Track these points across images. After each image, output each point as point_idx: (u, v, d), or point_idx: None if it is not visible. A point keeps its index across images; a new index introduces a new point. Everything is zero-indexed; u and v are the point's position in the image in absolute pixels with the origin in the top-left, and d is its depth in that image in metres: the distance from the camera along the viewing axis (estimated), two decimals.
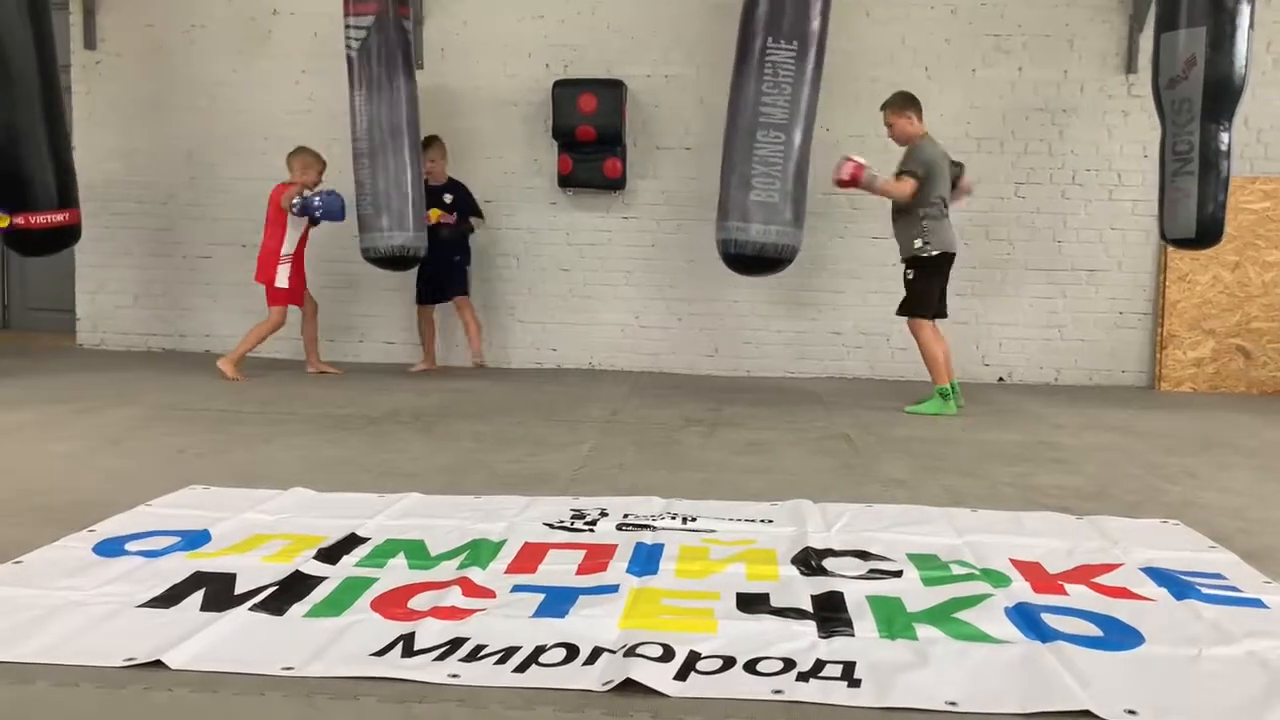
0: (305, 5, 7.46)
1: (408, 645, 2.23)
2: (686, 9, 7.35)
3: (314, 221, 6.66)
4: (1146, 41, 6.55)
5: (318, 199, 6.43)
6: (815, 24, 5.77)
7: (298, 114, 7.47)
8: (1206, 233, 5.91)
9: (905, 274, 5.88)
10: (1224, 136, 5.79)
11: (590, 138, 7.17)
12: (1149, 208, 6.79)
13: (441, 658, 2.17)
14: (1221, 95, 5.73)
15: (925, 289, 5.83)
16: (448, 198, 6.95)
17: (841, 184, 5.77)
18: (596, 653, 2.20)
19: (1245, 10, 5.65)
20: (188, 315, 7.86)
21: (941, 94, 7.16)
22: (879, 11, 7.25)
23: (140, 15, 7.68)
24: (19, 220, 6.03)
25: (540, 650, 2.21)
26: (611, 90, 7.17)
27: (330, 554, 2.86)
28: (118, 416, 5.07)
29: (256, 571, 2.70)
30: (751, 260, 5.84)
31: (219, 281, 7.75)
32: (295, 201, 6.43)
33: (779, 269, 5.97)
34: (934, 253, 5.77)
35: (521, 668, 2.13)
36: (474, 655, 2.18)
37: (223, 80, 7.66)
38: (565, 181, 7.39)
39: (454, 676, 2.09)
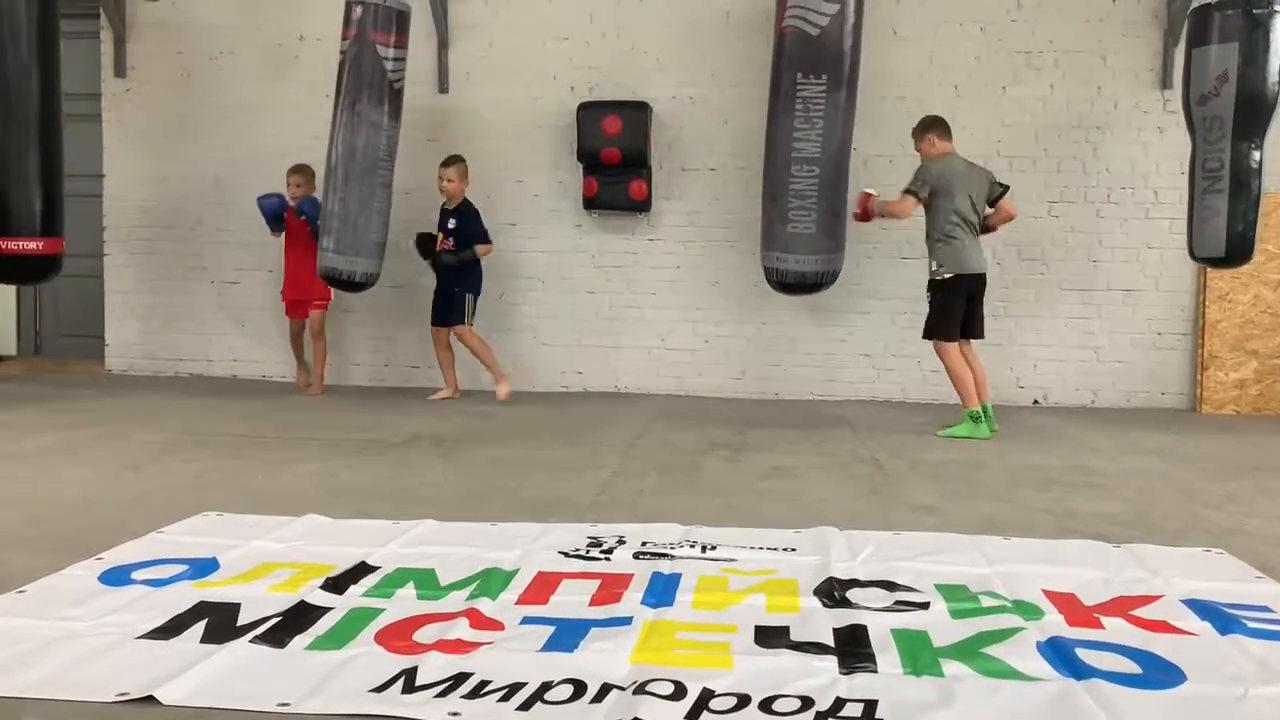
0: (331, 30, 7.41)
1: (409, 681, 2.14)
2: (711, 30, 7.30)
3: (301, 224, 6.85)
4: (1182, 57, 6.40)
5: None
6: (845, 57, 5.85)
7: (325, 139, 7.45)
8: (1235, 252, 5.79)
9: (926, 295, 5.87)
10: (1255, 155, 5.67)
11: (615, 160, 7.13)
12: None
13: (443, 694, 2.09)
14: (1253, 112, 5.61)
15: (941, 311, 5.75)
16: (451, 223, 6.83)
17: (859, 218, 5.96)
18: (605, 690, 2.11)
19: (1279, 26, 5.51)
20: (215, 340, 7.87)
21: (971, 112, 7.05)
22: (906, 29, 7.17)
23: (169, 43, 7.75)
24: None
25: (546, 687, 2.12)
26: (636, 112, 7.13)
27: (337, 584, 2.78)
28: (139, 442, 5.06)
29: (262, 602, 2.63)
30: (794, 285, 6.16)
31: (247, 307, 7.76)
32: None
33: (821, 290, 6.28)
34: (946, 275, 5.70)
35: (525, 705, 2.04)
36: (477, 692, 2.10)
37: (251, 106, 7.70)
38: (590, 204, 7.34)
39: (455, 715, 2.00)
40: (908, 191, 5.72)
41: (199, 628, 2.44)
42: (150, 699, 2.04)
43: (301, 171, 6.90)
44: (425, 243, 6.80)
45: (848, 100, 5.93)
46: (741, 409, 6.76)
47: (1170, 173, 7.00)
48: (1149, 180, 7.11)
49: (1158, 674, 2.25)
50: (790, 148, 5.88)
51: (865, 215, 5.89)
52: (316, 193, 6.83)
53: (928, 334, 5.84)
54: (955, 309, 5.74)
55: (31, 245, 6.12)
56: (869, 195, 5.83)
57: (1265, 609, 2.72)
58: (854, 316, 7.32)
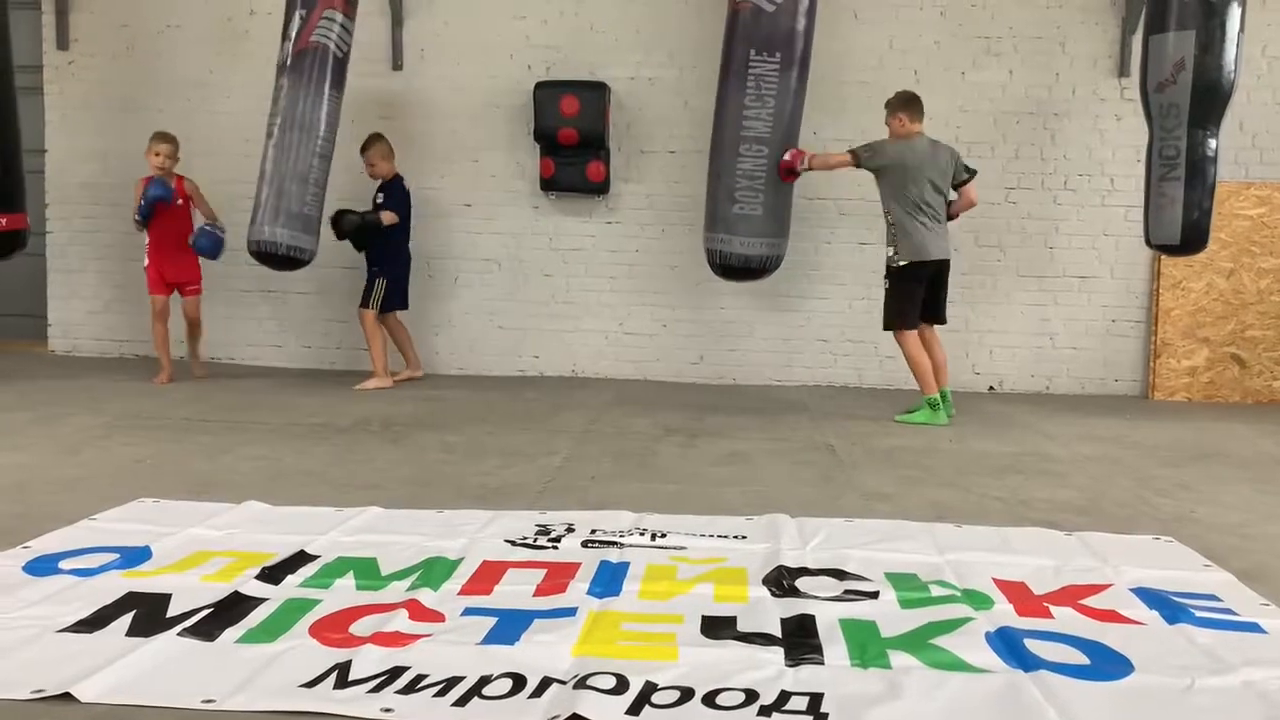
0: (282, 5, 7.28)
1: (342, 675, 2.07)
2: (670, 10, 7.21)
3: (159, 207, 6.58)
4: (1140, 44, 6.42)
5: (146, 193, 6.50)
6: (799, 37, 5.76)
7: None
8: (1191, 239, 5.79)
9: (884, 282, 5.78)
10: (1211, 142, 5.67)
11: (572, 141, 7.02)
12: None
13: (377, 689, 2.02)
14: (1209, 100, 5.61)
15: (898, 299, 5.70)
16: (379, 197, 6.60)
17: (785, 175, 5.77)
18: (545, 684, 2.05)
19: (1235, 14, 5.53)
20: None
21: (931, 97, 6.92)
22: (867, 13, 7.12)
23: (114, 15, 7.51)
24: None
25: (485, 681, 2.06)
26: (594, 92, 7.03)
27: (274, 573, 2.70)
28: (79, 425, 4.91)
29: (193, 592, 2.54)
30: (737, 270, 5.95)
31: None
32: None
33: (764, 276, 6.10)
34: (901, 263, 5.64)
35: (462, 701, 1.98)
36: (412, 686, 2.03)
37: (199, 81, 7.50)
38: (547, 185, 7.23)
39: (388, 711, 1.93)
40: (852, 151, 5.71)
41: (126, 620, 2.35)
42: (67, 696, 1.95)
43: (173, 140, 6.59)
44: (338, 220, 6.45)
45: (799, 81, 5.81)
46: (699, 394, 6.71)
47: (1126, 160, 7.02)
48: (1105, 167, 7.13)
49: (1106, 665, 2.23)
50: (740, 125, 5.73)
51: (791, 170, 5.73)
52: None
53: (887, 325, 5.77)
54: (912, 297, 5.69)
55: None
56: (798, 152, 5.72)
57: (1213, 598, 2.71)
58: (811, 302, 7.28)
